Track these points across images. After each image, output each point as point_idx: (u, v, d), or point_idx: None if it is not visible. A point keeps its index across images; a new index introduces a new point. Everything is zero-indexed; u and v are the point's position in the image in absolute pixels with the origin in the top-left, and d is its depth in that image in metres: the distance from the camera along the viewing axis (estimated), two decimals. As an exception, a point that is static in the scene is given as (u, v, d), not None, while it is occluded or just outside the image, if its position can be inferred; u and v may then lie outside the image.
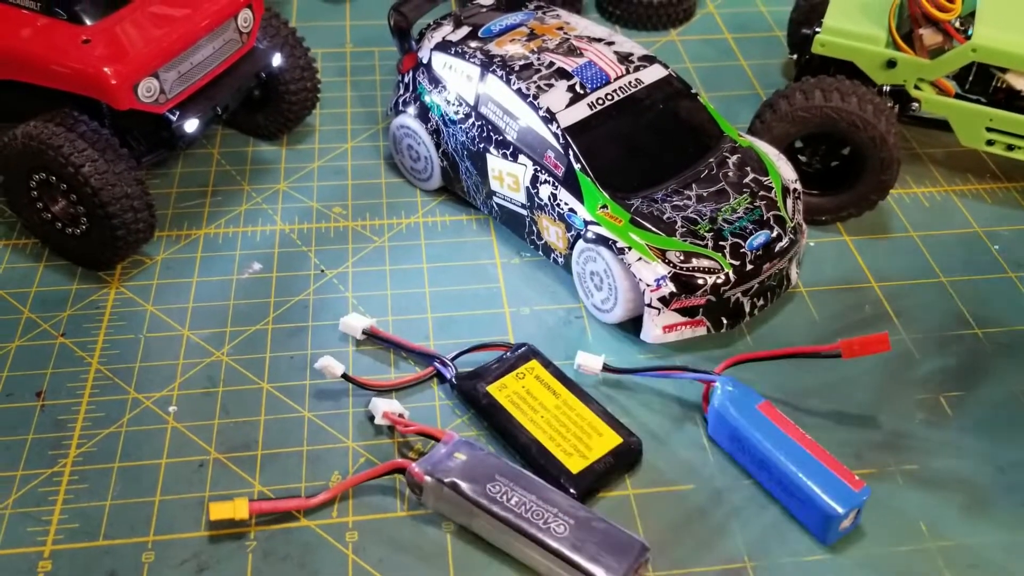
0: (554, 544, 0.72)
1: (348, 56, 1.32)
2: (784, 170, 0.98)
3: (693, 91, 1.02)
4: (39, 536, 0.76)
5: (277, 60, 1.06)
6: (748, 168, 0.96)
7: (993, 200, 1.13)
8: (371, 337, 0.92)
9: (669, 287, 0.88)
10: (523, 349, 0.89)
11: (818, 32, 1.08)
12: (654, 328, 0.90)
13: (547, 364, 0.88)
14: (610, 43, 1.04)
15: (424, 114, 1.05)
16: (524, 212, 1.00)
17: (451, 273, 1.00)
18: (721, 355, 0.90)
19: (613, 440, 0.82)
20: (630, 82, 1.00)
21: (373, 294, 0.98)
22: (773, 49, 1.36)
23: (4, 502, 0.79)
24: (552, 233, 0.97)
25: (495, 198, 1.02)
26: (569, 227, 0.94)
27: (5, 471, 0.81)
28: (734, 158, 0.97)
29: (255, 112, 1.13)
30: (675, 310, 0.89)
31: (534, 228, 0.99)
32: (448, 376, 0.87)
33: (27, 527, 0.77)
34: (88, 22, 0.94)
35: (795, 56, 1.18)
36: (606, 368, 0.88)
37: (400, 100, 1.08)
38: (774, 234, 0.92)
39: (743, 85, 1.30)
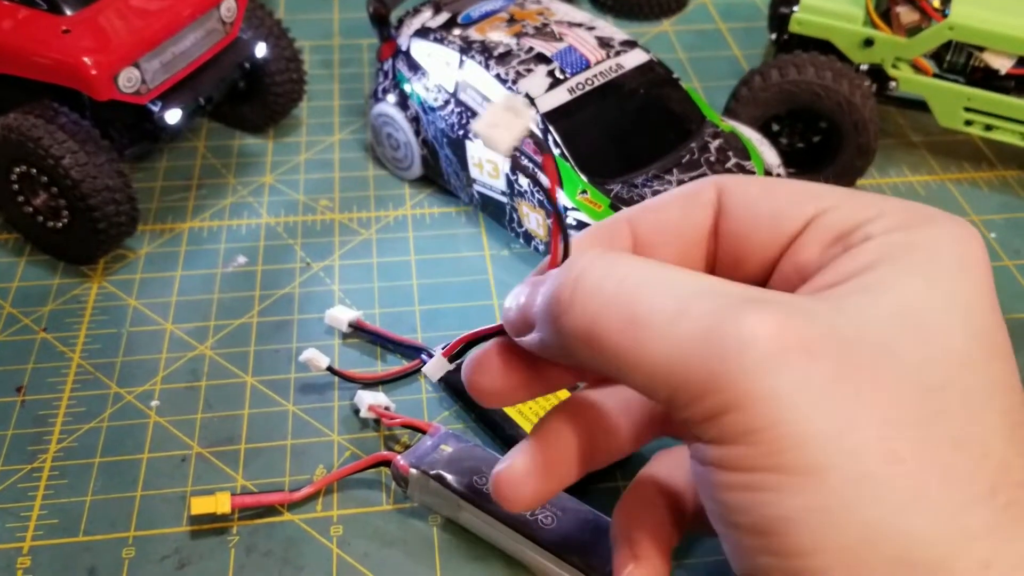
0: (541, 536, 0.71)
1: (336, 48, 1.30)
2: (767, 155, 0.97)
3: (675, 76, 1.01)
4: (18, 532, 0.75)
5: (261, 51, 1.05)
6: (730, 153, 0.95)
7: (989, 188, 1.11)
8: (357, 330, 0.90)
9: None
10: (511, 340, 0.88)
11: (795, 11, 1.07)
12: (637, 316, 0.88)
13: (536, 355, 0.87)
14: (591, 28, 1.03)
15: (403, 102, 1.04)
16: (504, 199, 0.98)
17: (439, 265, 0.99)
18: (712, 345, 0.89)
19: (602, 431, 0.80)
20: (611, 67, 0.98)
21: (359, 287, 0.96)
22: (767, 38, 1.35)
23: (-18, 498, 0.77)
24: (532, 220, 0.96)
25: (475, 186, 1.01)
26: (549, 214, 0.93)
27: (-16, 467, 0.79)
28: (716, 143, 0.96)
29: (241, 104, 1.12)
30: None
31: (515, 215, 0.98)
32: (435, 368, 0.86)
33: (6, 523, 0.76)
34: (68, 12, 0.92)
35: (774, 36, 1.17)
36: (595, 359, 0.87)
37: (380, 88, 1.07)
38: None
39: (737, 74, 1.28)
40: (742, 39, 1.35)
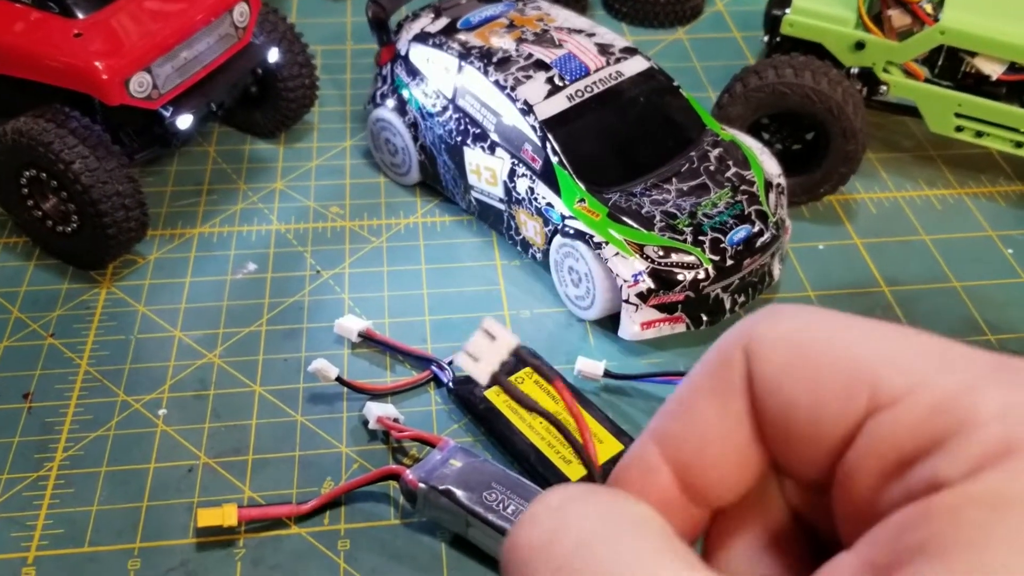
0: (551, 555, 0.70)
1: (348, 53, 1.30)
2: (767, 164, 0.95)
3: (676, 84, 1.00)
4: (23, 542, 0.74)
5: (274, 56, 1.04)
6: (730, 162, 0.94)
7: (1007, 202, 1.10)
8: (367, 340, 0.89)
9: (647, 283, 0.85)
10: (522, 353, 0.87)
11: (787, 13, 1.06)
12: (632, 325, 0.87)
13: (547, 368, 0.86)
14: (591, 34, 1.02)
15: (402, 107, 1.03)
16: (502, 207, 0.97)
17: (450, 275, 0.98)
18: (726, 360, 0.88)
19: (614, 447, 0.79)
20: (610, 74, 0.97)
21: (370, 296, 0.95)
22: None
23: (-13, 507, 0.77)
24: (530, 228, 0.95)
25: (473, 192, 1.00)
26: (547, 222, 0.92)
27: (-11, 475, 0.79)
28: (716, 152, 0.95)
29: (253, 109, 1.11)
30: (653, 306, 0.86)
31: (512, 223, 0.97)
32: (445, 380, 0.85)
33: (11, 532, 0.75)
34: (80, 16, 0.92)
35: (766, 38, 1.16)
36: (607, 374, 0.86)
37: (378, 93, 1.06)
38: (755, 229, 0.89)
39: (751, 84, 1.27)
40: (757, 47, 1.34)
